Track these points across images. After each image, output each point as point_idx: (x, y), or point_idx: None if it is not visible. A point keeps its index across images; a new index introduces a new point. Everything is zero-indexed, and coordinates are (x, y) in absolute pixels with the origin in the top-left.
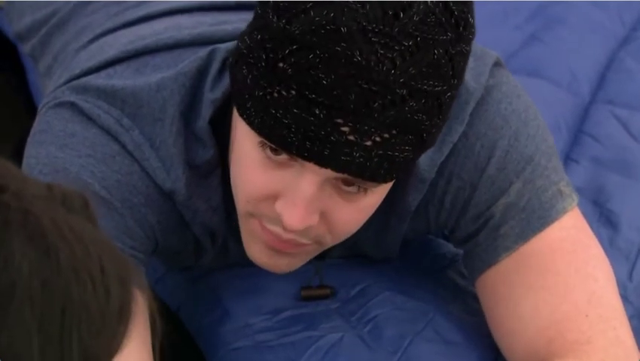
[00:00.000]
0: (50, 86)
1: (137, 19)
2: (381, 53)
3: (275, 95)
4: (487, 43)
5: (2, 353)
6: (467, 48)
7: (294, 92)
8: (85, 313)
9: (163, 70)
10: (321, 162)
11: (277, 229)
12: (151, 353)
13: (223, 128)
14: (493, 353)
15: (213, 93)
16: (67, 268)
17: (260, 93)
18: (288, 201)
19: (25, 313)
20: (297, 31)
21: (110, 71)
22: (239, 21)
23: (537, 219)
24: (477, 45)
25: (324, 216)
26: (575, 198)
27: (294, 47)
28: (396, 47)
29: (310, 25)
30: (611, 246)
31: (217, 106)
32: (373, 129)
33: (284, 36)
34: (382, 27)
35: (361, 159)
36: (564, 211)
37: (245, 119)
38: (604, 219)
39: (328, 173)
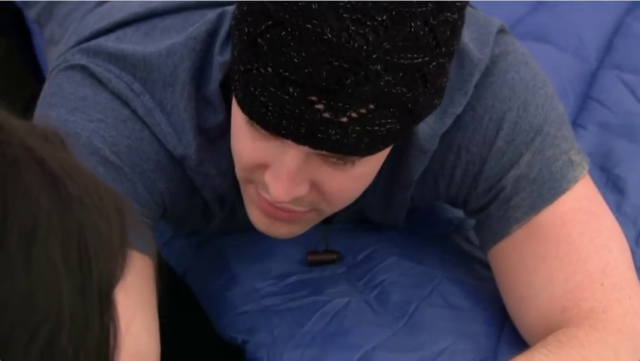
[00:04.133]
0: (57, 50)
1: None
2: (352, 30)
3: (254, 72)
4: (494, 9)
5: (34, 285)
6: (454, 16)
7: (270, 69)
8: (97, 239)
9: (171, 33)
10: (298, 140)
11: (270, 197)
12: (156, 316)
13: (231, 92)
14: (500, 318)
15: (222, 56)
16: (76, 198)
17: (242, 69)
18: (274, 173)
19: (50, 246)
20: (271, 7)
21: (119, 33)
22: None
23: (549, 190)
24: (480, 13)
25: (315, 185)
26: (586, 165)
27: (269, 22)
28: (368, 23)
29: (283, 0)
30: (617, 211)
31: (226, 69)
32: (347, 106)
33: (262, 11)
34: (354, 2)
35: (338, 136)
36: (575, 180)
37: (233, 91)
38: (611, 184)
39: (308, 149)
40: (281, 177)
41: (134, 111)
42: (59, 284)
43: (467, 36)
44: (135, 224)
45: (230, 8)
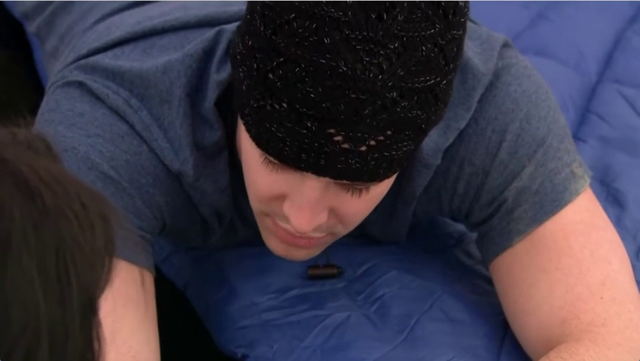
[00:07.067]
0: (56, 66)
1: None
2: (366, 60)
3: (268, 108)
4: (494, 22)
5: (9, 300)
6: (459, 32)
7: (285, 105)
8: (77, 249)
9: (169, 51)
10: (318, 172)
11: (289, 227)
12: (157, 330)
13: (229, 109)
14: (500, 332)
15: (219, 74)
16: (53, 209)
17: (255, 105)
18: (294, 205)
19: (24, 259)
20: (282, 44)
21: (117, 51)
22: (244, 3)
23: (551, 202)
24: (484, 28)
25: (333, 210)
26: (587, 178)
27: (281, 59)
28: (381, 52)
29: (294, 37)
30: (618, 225)
31: (223, 88)
32: (366, 135)
33: (271, 47)
34: (365, 33)
35: (358, 165)
36: (577, 193)
37: (244, 124)
38: (611, 198)
39: (328, 179)
40: (303, 208)
41: (132, 126)
42: (36, 298)
43: (470, 50)
44: (135, 239)
45: (229, 27)
